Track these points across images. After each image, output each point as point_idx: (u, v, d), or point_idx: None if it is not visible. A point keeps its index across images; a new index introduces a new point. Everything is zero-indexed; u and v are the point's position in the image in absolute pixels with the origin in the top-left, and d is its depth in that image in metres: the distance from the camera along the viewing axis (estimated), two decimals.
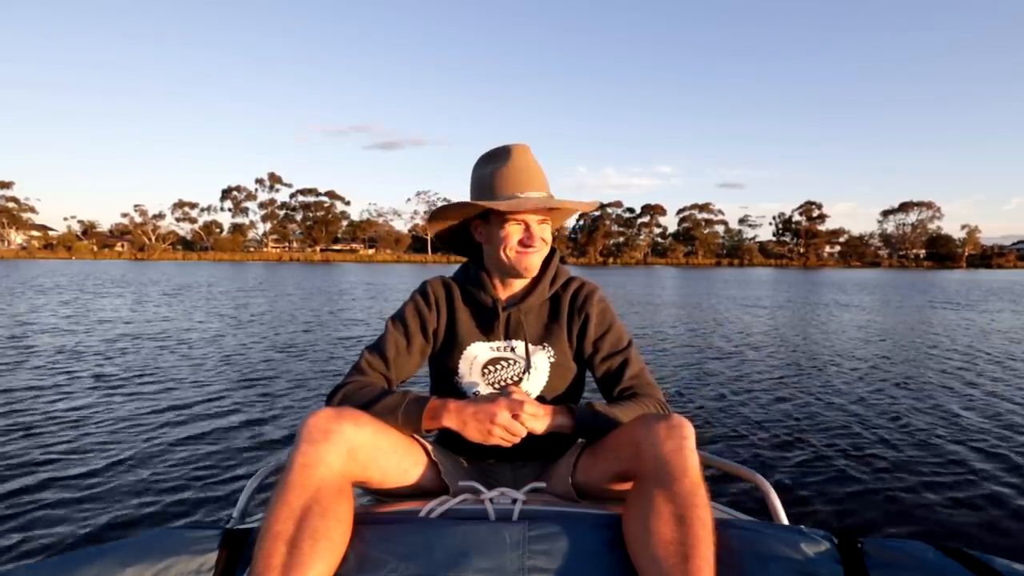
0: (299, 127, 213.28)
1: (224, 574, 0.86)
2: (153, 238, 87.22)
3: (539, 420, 1.12)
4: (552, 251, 1.41)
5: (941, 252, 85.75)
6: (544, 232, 1.31)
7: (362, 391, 1.20)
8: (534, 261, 1.30)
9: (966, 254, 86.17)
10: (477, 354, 1.33)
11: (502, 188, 1.26)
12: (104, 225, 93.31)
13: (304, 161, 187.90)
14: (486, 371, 1.32)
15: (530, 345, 1.33)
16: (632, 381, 1.29)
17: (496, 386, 1.31)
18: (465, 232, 1.40)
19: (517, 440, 1.11)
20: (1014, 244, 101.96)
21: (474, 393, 1.31)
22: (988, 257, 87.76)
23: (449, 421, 1.12)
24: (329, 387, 1.30)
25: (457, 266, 1.48)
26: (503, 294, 1.36)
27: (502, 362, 1.33)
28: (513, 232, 1.28)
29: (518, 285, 1.37)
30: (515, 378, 1.32)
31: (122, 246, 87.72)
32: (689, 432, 0.95)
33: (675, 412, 1.04)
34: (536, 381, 1.32)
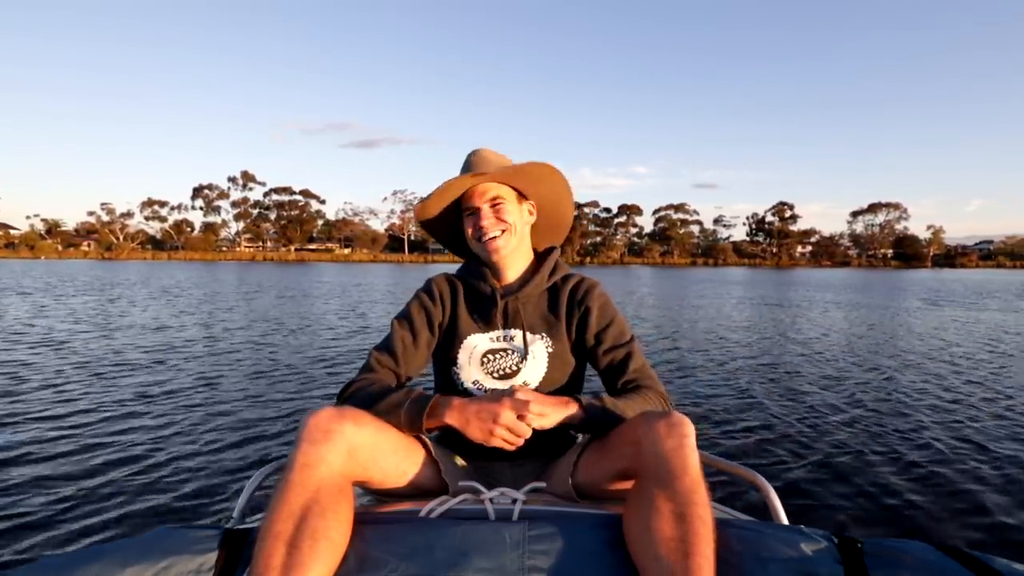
0: (275, 125, 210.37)
1: (224, 574, 0.86)
2: (121, 237, 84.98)
3: (547, 418, 1.11)
4: (551, 248, 1.46)
5: (908, 252, 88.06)
6: (504, 213, 1.32)
7: (370, 388, 1.21)
8: (497, 244, 1.32)
9: (931, 254, 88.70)
10: (476, 344, 1.35)
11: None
12: (69, 224, 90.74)
13: (279, 160, 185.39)
14: (485, 360, 1.34)
15: (528, 334, 1.34)
16: (635, 374, 1.30)
17: (495, 375, 1.32)
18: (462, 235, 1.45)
19: (520, 442, 1.10)
20: (976, 244, 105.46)
21: (474, 382, 1.33)
22: (952, 257, 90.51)
23: (451, 419, 1.11)
24: (330, 386, 1.29)
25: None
26: (501, 284, 1.39)
27: (500, 352, 1.34)
28: (468, 222, 1.34)
29: (514, 275, 1.39)
30: (513, 367, 1.32)
31: (88, 245, 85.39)
32: (689, 430, 0.94)
33: (675, 411, 1.04)
34: (534, 370, 1.33)
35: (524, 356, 1.32)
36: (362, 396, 1.18)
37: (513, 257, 1.37)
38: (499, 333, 1.35)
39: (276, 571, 0.80)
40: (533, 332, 1.35)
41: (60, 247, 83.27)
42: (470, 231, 1.33)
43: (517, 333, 1.34)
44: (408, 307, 1.39)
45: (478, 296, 1.39)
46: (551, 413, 1.12)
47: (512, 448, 1.12)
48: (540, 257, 1.44)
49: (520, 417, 1.08)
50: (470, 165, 1.33)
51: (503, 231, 1.32)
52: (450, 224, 1.42)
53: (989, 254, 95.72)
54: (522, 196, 1.37)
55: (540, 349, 1.34)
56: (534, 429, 1.11)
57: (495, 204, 1.31)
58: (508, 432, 1.08)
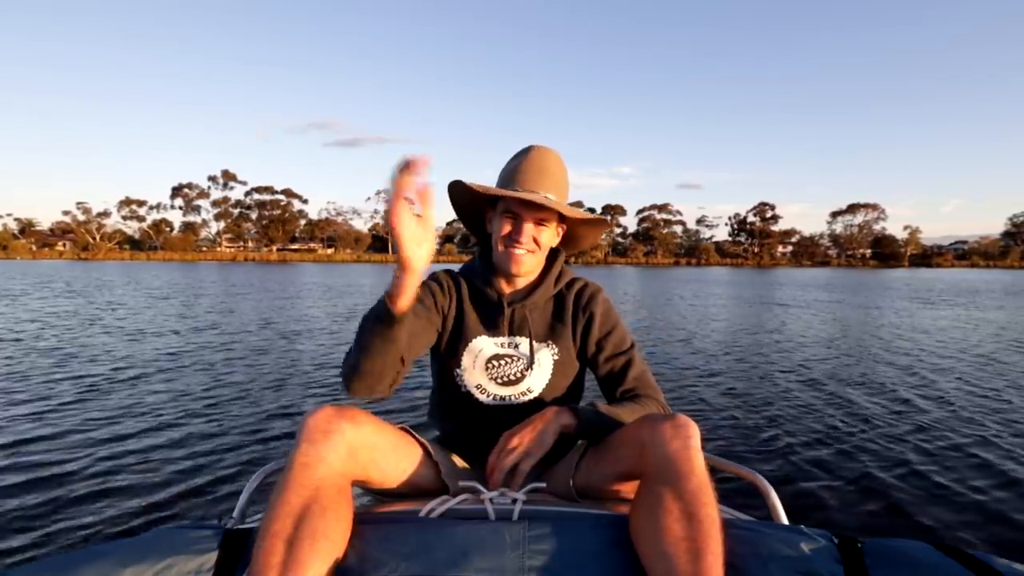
0: (258, 124, 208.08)
1: (224, 574, 0.86)
2: (98, 237, 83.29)
3: (545, 442, 1.13)
4: (556, 251, 1.42)
5: (885, 252, 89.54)
6: (541, 235, 1.29)
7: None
8: (522, 260, 1.28)
9: (908, 254, 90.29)
10: (481, 348, 1.32)
11: (510, 182, 1.26)
12: (44, 223, 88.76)
13: (261, 159, 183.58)
14: (489, 366, 1.32)
15: (534, 342, 1.33)
16: (635, 383, 1.29)
17: (499, 381, 1.31)
18: (484, 220, 1.41)
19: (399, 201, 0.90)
20: (951, 244, 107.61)
21: (477, 386, 1.32)
22: (928, 257, 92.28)
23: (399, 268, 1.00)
24: (329, 386, 1.29)
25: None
26: (508, 290, 1.36)
27: (505, 358, 1.32)
28: (505, 225, 1.28)
29: (523, 282, 1.36)
30: (518, 374, 1.31)
31: (64, 245, 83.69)
32: (694, 431, 0.95)
33: (679, 413, 1.04)
34: (539, 378, 1.32)
35: (530, 364, 1.31)
36: (353, 349, 1.10)
37: (530, 272, 1.36)
38: (505, 340, 1.33)
39: (275, 570, 0.80)
40: (539, 340, 1.33)
41: (34, 247, 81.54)
42: (502, 236, 1.28)
43: (523, 341, 1.33)
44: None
45: (484, 300, 1.36)
46: (547, 435, 1.13)
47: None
48: (546, 261, 1.41)
49: (520, 453, 1.12)
50: (535, 172, 1.26)
51: (532, 251, 1.29)
52: (476, 200, 1.35)
53: (964, 254, 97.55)
54: (560, 219, 1.35)
55: (546, 357, 1.33)
56: (539, 451, 1.12)
57: (540, 224, 1.28)
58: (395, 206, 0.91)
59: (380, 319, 1.03)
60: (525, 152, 1.29)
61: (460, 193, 1.32)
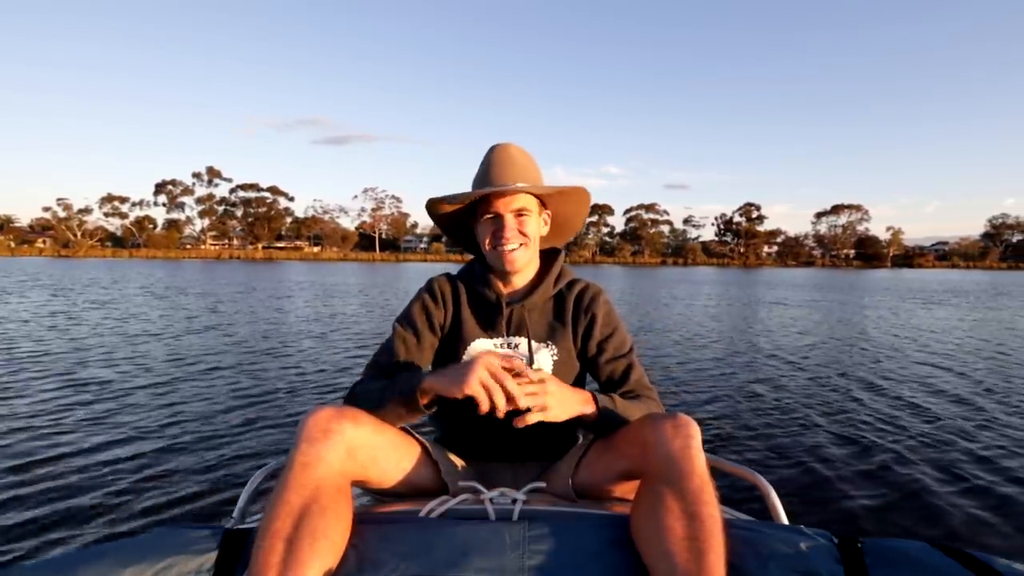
0: (244, 120, 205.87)
1: (224, 573, 0.86)
2: (79, 234, 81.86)
3: (566, 408, 1.07)
4: (556, 251, 1.42)
5: (868, 252, 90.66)
6: (526, 226, 1.27)
7: (369, 387, 1.19)
8: (514, 256, 1.28)
9: (891, 254, 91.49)
10: (480, 351, 1.31)
11: (481, 186, 1.27)
12: (23, 220, 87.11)
13: (247, 156, 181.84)
14: None
15: (533, 342, 1.32)
16: (634, 385, 1.29)
17: None
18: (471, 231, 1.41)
19: (500, 397, 1.00)
20: (933, 245, 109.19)
21: None
22: (910, 257, 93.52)
23: (433, 379, 1.08)
24: (329, 386, 1.29)
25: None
26: (507, 291, 1.35)
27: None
28: (487, 227, 1.28)
29: (521, 282, 1.36)
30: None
31: (43, 242, 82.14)
32: (695, 431, 0.95)
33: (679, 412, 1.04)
34: None
35: (529, 364, 1.29)
36: (364, 398, 1.16)
37: (525, 266, 1.34)
38: (504, 340, 1.32)
39: (275, 569, 0.80)
40: (539, 340, 1.32)
41: (13, 244, 79.85)
42: (488, 238, 1.28)
43: (522, 341, 1.32)
44: (410, 309, 1.35)
45: (483, 301, 1.35)
46: (569, 404, 1.09)
47: (492, 409, 1.02)
48: (544, 261, 1.41)
49: (511, 372, 1.03)
50: (499, 166, 1.26)
51: (522, 244, 1.28)
52: (458, 215, 1.36)
53: (945, 255, 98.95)
54: (542, 205, 1.34)
55: (545, 357, 1.32)
56: (540, 424, 1.06)
57: (520, 215, 1.27)
58: (489, 377, 1.00)
59: (408, 408, 1.11)
60: (487, 153, 1.30)
61: (438, 209, 1.31)
